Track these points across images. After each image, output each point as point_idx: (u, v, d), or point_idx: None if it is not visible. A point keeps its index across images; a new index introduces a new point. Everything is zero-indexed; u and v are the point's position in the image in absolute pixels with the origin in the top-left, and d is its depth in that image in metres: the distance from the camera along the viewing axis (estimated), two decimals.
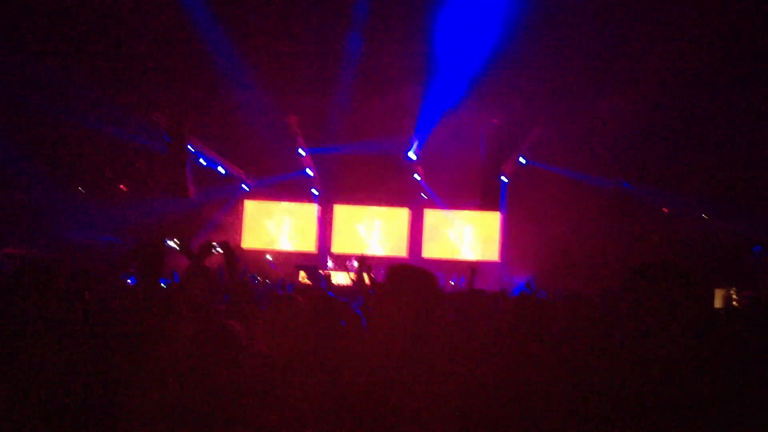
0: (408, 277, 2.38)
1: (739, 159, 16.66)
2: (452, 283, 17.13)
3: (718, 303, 15.24)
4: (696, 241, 17.64)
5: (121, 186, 19.62)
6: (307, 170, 20.25)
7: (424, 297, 2.33)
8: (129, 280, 5.92)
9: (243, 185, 20.74)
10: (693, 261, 17.01)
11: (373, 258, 19.78)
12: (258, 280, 13.28)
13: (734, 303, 15.14)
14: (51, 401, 2.79)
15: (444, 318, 2.43)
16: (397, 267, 2.45)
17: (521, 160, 19.43)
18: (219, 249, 4.08)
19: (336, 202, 20.79)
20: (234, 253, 3.89)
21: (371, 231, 20.59)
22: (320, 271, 15.72)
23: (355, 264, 6.28)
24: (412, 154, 19.29)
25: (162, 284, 4.01)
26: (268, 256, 19.57)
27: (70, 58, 14.60)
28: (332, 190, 20.77)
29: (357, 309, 6.33)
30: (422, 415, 2.20)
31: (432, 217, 20.59)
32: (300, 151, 19.43)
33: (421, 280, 2.37)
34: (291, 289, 9.77)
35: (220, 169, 19.88)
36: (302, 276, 15.74)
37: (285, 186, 20.58)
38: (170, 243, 3.73)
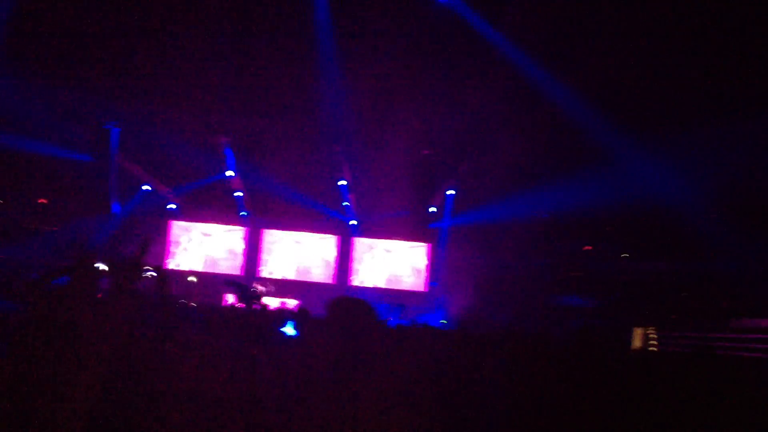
0: (348, 309, 2.45)
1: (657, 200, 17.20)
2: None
3: (636, 342, 15.67)
4: (617, 280, 18.14)
5: (41, 200, 18.99)
6: (237, 193, 20.02)
7: (362, 328, 2.40)
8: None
9: (170, 204, 20.34)
10: (613, 299, 17.48)
11: (301, 284, 19.83)
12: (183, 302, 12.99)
13: (652, 342, 15.61)
14: None
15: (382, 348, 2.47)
16: (337, 299, 2.51)
17: (450, 192, 19.66)
18: (152, 272, 3.97)
19: (265, 227, 20.60)
20: (167, 277, 3.78)
21: (300, 257, 20.44)
22: (255, 288, 15.55)
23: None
24: (342, 182, 19.34)
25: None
26: (192, 278, 19.22)
27: None
28: (262, 213, 20.58)
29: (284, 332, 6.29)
30: None
31: (361, 245, 20.59)
32: (228, 173, 19.21)
33: (360, 312, 2.44)
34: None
35: (146, 186, 19.47)
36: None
37: (213, 207, 20.31)
38: (99, 265, 3.58)
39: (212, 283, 18.86)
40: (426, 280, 20.20)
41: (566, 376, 4.25)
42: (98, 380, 2.78)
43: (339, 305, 2.50)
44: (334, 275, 20.41)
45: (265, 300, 16.26)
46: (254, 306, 5.99)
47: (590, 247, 19.85)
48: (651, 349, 15.22)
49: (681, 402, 3.75)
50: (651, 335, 15.73)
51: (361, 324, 2.46)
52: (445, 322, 16.27)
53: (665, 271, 18.01)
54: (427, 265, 20.25)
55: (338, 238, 20.62)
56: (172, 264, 19.83)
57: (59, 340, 2.82)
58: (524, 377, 4.31)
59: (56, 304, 3.07)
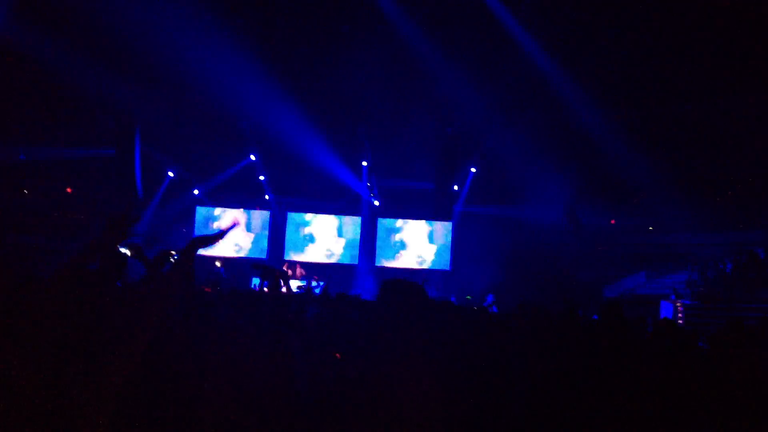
0: (400, 290, 2.52)
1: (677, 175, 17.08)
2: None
3: (663, 315, 15.61)
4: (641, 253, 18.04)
5: (68, 189, 19.20)
6: (260, 177, 20.10)
7: (414, 307, 2.46)
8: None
9: (194, 190, 20.45)
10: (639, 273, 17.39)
11: (326, 266, 19.93)
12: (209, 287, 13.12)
13: (679, 315, 15.55)
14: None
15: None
16: (390, 281, 2.58)
17: (473, 169, 19.59)
18: (176, 258, 4.00)
19: (289, 210, 20.68)
20: (192, 263, 3.81)
21: (324, 239, 20.52)
22: (282, 270, 15.66)
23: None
24: (364, 162, 19.33)
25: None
26: (218, 263, 19.36)
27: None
28: (285, 196, 20.67)
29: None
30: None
31: (385, 225, 20.61)
32: (251, 156, 19.29)
33: (412, 292, 2.51)
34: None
35: (169, 173, 19.61)
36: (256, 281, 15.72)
37: (237, 192, 20.42)
38: (122, 249, 3.63)
39: (238, 267, 19.01)
40: (450, 258, 20.20)
41: (595, 352, 4.25)
42: (129, 365, 2.83)
43: (392, 288, 2.57)
44: (359, 256, 20.47)
45: (292, 282, 16.44)
46: (281, 289, 6.03)
47: (614, 221, 19.74)
48: (679, 321, 15.20)
49: (715, 374, 3.75)
50: (678, 308, 15.68)
51: (413, 306, 2.53)
52: (469, 297, 16.27)
53: (692, 244, 17.89)
54: (450, 244, 20.24)
55: (362, 219, 20.65)
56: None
57: (85, 327, 2.86)
58: (552, 355, 4.31)
59: (83, 291, 3.11)
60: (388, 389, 2.28)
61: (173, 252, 4.14)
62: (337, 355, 3.17)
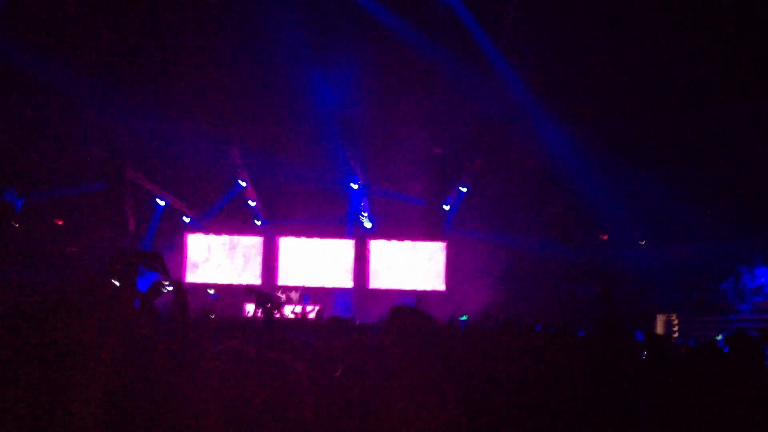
0: (410, 319, 2.56)
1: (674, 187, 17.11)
2: None
3: (659, 329, 15.56)
4: (635, 267, 18.00)
5: (58, 220, 19.05)
6: (250, 202, 20.03)
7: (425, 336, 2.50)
8: None
9: (184, 218, 20.38)
10: (633, 287, 17.35)
11: (319, 289, 19.82)
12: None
13: (674, 329, 15.51)
14: None
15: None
16: (399, 309, 2.62)
17: (462, 189, 19.56)
18: (169, 288, 3.95)
19: (280, 235, 20.61)
20: (185, 293, 3.76)
21: (317, 263, 20.44)
22: (278, 296, 15.61)
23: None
24: (354, 185, 19.29)
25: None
26: (211, 290, 19.22)
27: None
28: (277, 221, 20.60)
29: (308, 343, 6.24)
30: None
31: (377, 247, 20.54)
32: (241, 182, 19.21)
33: (421, 322, 2.55)
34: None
35: (159, 201, 19.50)
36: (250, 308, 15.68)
37: (228, 218, 20.35)
38: (114, 282, 3.57)
39: (231, 294, 18.87)
40: (444, 278, 20.14)
41: (590, 367, 4.22)
42: (102, 393, 2.77)
43: (402, 314, 2.61)
44: (352, 279, 20.38)
45: (286, 308, 16.33)
46: (275, 314, 5.93)
47: (606, 236, 19.73)
48: (674, 335, 15.16)
49: (719, 383, 3.72)
50: (673, 321, 15.66)
51: (423, 331, 2.58)
52: (465, 318, 16.19)
53: (683, 256, 17.88)
54: (444, 264, 20.19)
55: (354, 242, 20.59)
56: (190, 277, 19.87)
57: (59, 357, 2.82)
58: (549, 370, 4.29)
59: (56, 322, 3.06)
60: (395, 415, 2.29)
61: (165, 282, 4.09)
62: (337, 372, 3.13)
